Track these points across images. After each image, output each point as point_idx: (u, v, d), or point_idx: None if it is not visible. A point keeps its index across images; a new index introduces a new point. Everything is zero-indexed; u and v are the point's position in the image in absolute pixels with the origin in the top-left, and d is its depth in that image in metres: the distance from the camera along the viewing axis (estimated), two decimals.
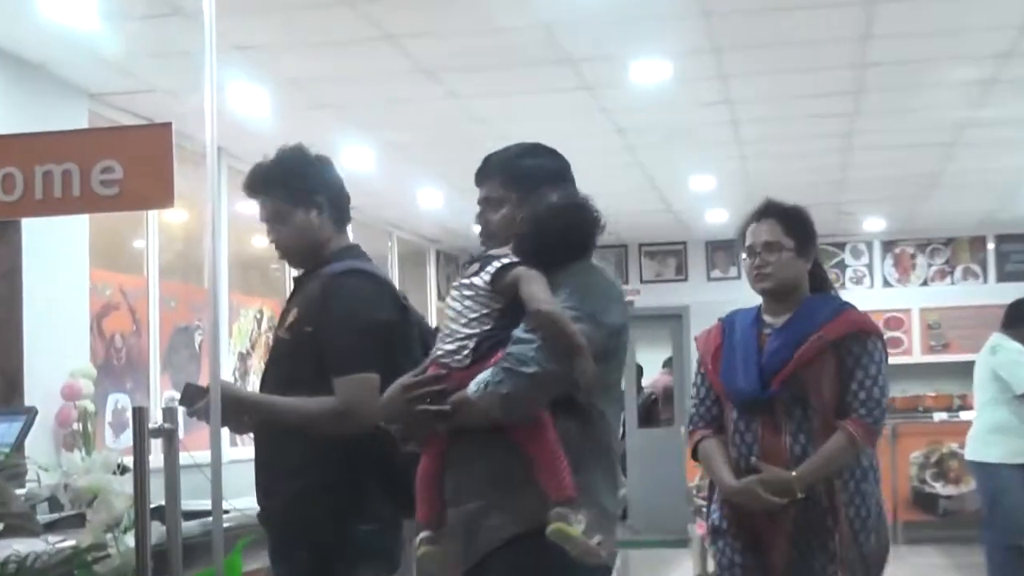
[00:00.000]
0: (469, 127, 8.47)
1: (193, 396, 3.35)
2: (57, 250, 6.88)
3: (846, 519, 3.38)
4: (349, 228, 3.84)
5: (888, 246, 13.35)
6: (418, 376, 2.82)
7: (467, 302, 2.83)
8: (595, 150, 8.51)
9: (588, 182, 3.12)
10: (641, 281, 13.79)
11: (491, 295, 2.80)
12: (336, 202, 3.59)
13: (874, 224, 12.95)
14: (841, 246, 13.32)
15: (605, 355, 2.79)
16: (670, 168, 10.10)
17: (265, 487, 3.40)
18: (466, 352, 2.74)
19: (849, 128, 8.73)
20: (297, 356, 3.36)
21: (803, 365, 3.40)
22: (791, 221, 3.58)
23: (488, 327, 2.78)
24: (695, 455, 3.63)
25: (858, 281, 13.24)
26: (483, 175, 3.09)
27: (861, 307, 3.88)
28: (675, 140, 9.08)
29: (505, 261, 2.82)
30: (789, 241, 3.53)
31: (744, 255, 3.68)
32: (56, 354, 6.76)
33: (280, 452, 3.34)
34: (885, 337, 3.78)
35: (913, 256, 13.35)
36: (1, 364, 6.55)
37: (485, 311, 2.80)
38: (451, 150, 9.20)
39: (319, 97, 7.58)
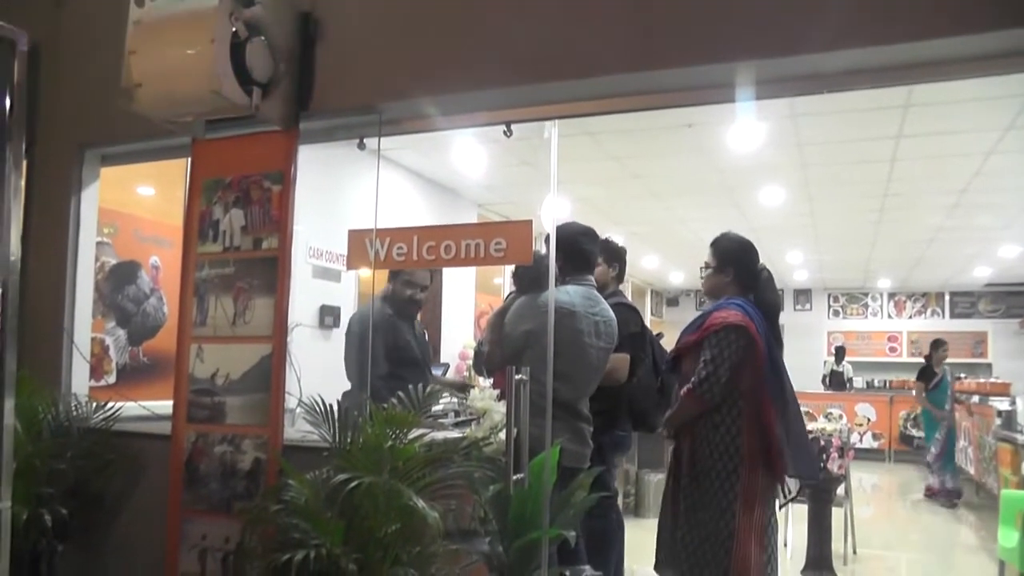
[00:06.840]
0: (673, 225, 11.11)
1: None
2: (462, 282, 9.46)
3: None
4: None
5: None
6: None
7: None
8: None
9: None
10: None
11: None
12: (609, 259, 4.64)
13: None
14: None
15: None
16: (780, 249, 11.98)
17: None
18: None
19: None
20: None
21: (683, 352, 3.68)
22: (716, 248, 3.80)
23: None
24: None
25: None
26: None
27: None
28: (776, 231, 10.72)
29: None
30: (713, 261, 3.77)
31: None
32: (457, 335, 9.16)
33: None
34: None
35: None
36: (432, 339, 8.18)
37: None
38: (663, 237, 12.00)
39: (595, 206, 9.86)
